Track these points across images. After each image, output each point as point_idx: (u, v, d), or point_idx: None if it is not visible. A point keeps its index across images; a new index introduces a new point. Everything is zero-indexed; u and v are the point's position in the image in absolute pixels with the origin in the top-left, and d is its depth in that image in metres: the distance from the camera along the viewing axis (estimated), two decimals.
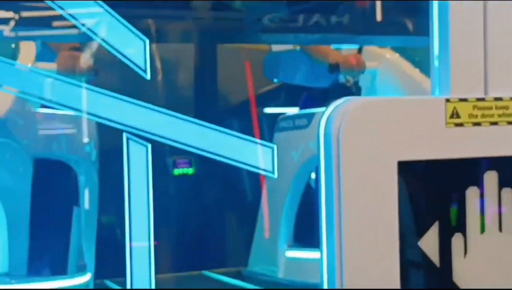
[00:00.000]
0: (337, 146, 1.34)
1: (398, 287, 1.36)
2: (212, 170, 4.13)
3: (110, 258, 2.29)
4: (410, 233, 1.38)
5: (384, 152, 1.36)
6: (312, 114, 2.94)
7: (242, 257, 3.30)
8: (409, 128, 1.37)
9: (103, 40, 1.30)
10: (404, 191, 1.37)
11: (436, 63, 1.44)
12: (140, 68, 1.28)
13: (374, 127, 1.35)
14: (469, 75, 1.43)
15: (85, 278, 2.48)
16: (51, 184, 2.53)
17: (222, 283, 3.06)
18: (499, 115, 1.42)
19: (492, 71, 1.44)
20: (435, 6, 1.44)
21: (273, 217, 3.01)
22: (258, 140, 1.40)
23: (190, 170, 4.14)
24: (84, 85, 1.30)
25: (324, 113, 1.38)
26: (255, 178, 3.28)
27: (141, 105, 1.33)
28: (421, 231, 1.38)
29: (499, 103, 1.42)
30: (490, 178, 1.43)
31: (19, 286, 2.33)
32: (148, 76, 1.31)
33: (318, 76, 3.33)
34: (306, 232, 2.92)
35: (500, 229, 1.43)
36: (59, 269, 2.49)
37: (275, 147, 1.39)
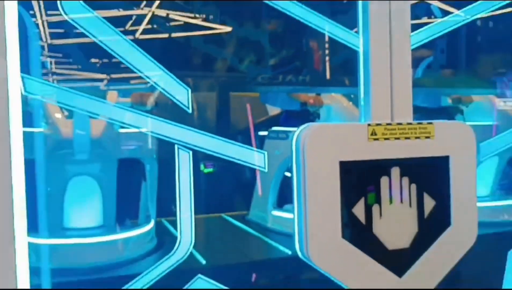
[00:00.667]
0: (303, 153, 1.35)
1: (340, 236, 1.38)
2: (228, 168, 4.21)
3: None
4: (347, 204, 1.39)
5: (331, 156, 1.37)
6: (289, 132, 2.99)
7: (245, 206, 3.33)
8: (346, 141, 1.38)
9: (163, 89, 1.30)
10: (344, 179, 1.38)
11: (362, 102, 1.46)
12: (185, 105, 1.29)
13: (325, 141, 1.37)
14: (382, 109, 1.45)
15: (150, 225, 2.49)
16: (130, 170, 2.55)
17: (232, 224, 3.09)
18: (400, 133, 1.43)
19: (396, 107, 1.46)
20: (361, 69, 1.46)
21: (265, 189, 3.04)
22: (255, 149, 1.39)
23: (212, 170, 4.26)
24: (149, 115, 1.31)
25: (295, 133, 1.39)
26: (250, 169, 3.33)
27: (186, 128, 1.33)
28: (354, 203, 1.39)
29: (400, 126, 1.43)
30: (395, 171, 1.43)
31: (107, 237, 2.32)
32: (190, 111, 1.31)
33: (292, 103, 3.40)
34: (285, 200, 3.00)
35: (401, 201, 1.45)
36: (134, 219, 2.52)
37: (266, 153, 1.40)
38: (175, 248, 1.30)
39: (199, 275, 1.31)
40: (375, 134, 1.41)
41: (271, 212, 2.93)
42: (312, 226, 1.35)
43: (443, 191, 1.49)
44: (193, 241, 1.30)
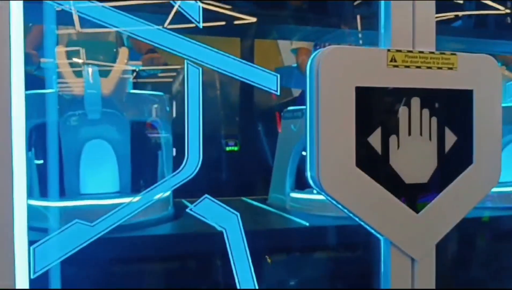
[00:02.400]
0: (317, 76, 1.29)
1: (354, 164, 1.30)
2: (249, 147, 4.16)
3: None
4: (362, 133, 1.31)
5: (347, 80, 1.29)
6: (305, 109, 2.88)
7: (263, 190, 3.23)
8: (364, 66, 1.31)
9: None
10: (360, 106, 1.30)
11: (382, 29, 1.38)
12: (196, 20, 1.24)
13: (341, 65, 1.29)
14: (402, 36, 1.37)
15: (167, 193, 2.43)
16: (144, 136, 2.46)
17: (254, 206, 3.00)
18: (421, 62, 1.35)
19: (417, 34, 1.38)
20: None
21: (282, 171, 2.95)
22: (269, 71, 1.32)
23: (236, 148, 4.18)
24: (162, 28, 1.25)
25: (311, 57, 1.32)
26: (273, 150, 3.21)
27: (197, 43, 1.27)
28: (370, 132, 1.32)
29: (421, 55, 1.35)
30: (415, 101, 1.35)
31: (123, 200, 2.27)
32: (201, 25, 1.25)
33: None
34: (301, 182, 2.90)
35: (421, 133, 1.37)
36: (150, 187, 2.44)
37: (279, 76, 1.34)
38: (182, 165, 1.25)
39: (206, 195, 1.25)
40: (395, 61, 1.33)
41: (289, 194, 2.85)
42: (325, 153, 1.28)
43: (465, 126, 1.40)
44: (201, 159, 1.24)
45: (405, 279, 1.34)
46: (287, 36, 3.06)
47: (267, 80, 1.32)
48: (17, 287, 1.06)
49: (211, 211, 1.24)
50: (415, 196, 1.36)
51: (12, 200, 1.05)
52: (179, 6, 1.24)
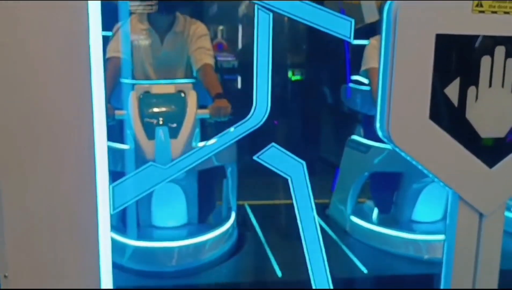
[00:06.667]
0: (394, 21, 1.19)
1: (427, 116, 1.22)
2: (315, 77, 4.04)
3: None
4: (440, 83, 1.22)
5: (427, 27, 1.18)
6: (371, 146, 2.64)
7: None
8: (446, 11, 1.18)
9: None
10: (439, 55, 1.20)
11: None
12: None
13: (421, 10, 1.18)
14: None
15: (231, 221, 2.48)
16: (211, 174, 2.47)
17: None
18: (510, 7, 1.22)
19: None
20: None
21: (344, 192, 2.80)
22: (341, 15, 1.23)
23: (300, 77, 4.14)
24: None
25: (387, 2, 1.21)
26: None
27: None
28: (447, 82, 1.22)
29: None
30: (499, 51, 1.23)
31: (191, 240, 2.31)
32: None
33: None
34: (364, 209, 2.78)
35: (502, 85, 1.26)
36: (216, 212, 2.53)
37: (353, 20, 1.24)
38: (250, 114, 1.22)
39: (273, 143, 1.23)
40: (481, 6, 1.20)
41: (350, 218, 2.70)
42: (397, 103, 1.20)
43: None
44: (269, 108, 1.21)
45: (472, 234, 1.29)
46: None
47: (339, 25, 1.23)
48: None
49: (277, 159, 1.22)
50: (490, 150, 1.27)
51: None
52: None
